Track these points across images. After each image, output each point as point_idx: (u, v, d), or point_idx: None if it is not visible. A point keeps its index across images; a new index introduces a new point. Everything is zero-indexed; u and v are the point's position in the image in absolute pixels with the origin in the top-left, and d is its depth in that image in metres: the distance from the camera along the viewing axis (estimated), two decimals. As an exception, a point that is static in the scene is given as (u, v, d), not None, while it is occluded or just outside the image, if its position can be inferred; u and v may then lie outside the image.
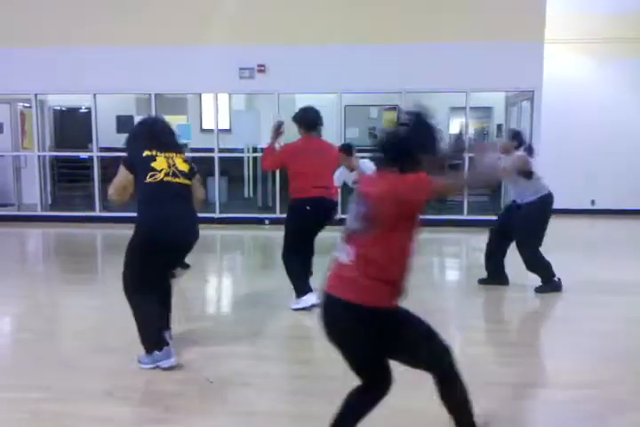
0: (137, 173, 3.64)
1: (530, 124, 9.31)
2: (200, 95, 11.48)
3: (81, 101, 11.04)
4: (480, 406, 2.59)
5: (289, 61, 9.27)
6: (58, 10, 9.46)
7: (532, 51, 9.00)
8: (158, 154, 3.68)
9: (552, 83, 9.50)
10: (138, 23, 9.38)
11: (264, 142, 10.67)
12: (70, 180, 11.98)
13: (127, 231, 3.74)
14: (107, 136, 10.46)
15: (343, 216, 6.47)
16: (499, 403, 2.71)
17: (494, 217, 6.34)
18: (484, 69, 9.04)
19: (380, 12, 9.13)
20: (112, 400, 3.20)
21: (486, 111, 12.99)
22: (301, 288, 4.85)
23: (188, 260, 5.79)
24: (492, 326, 4.74)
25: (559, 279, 5.40)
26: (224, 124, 10.64)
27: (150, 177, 3.61)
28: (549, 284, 5.38)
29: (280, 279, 5.17)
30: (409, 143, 2.36)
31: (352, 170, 5.88)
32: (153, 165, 3.63)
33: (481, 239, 5.79)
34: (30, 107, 9.97)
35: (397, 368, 2.43)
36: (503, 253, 5.58)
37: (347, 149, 5.68)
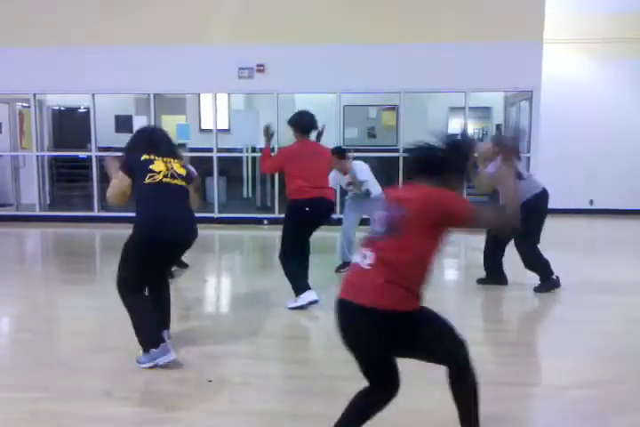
0: (135, 176, 3.67)
1: (529, 124, 9.32)
2: (199, 95, 11.47)
3: (80, 101, 11.03)
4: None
5: (288, 61, 9.27)
6: (57, 10, 9.46)
7: (531, 51, 9.00)
8: (156, 158, 3.73)
9: (552, 83, 9.50)
10: (136, 23, 9.39)
11: (263, 142, 10.75)
12: (69, 180, 11.95)
13: (126, 231, 3.73)
14: (105, 136, 10.46)
15: (340, 216, 6.52)
16: (498, 403, 2.71)
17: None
18: (483, 69, 9.05)
19: (380, 11, 9.14)
20: (111, 400, 3.20)
21: (485, 111, 12.99)
22: (300, 287, 4.88)
23: (186, 259, 5.81)
24: (491, 326, 4.74)
25: (557, 277, 5.40)
26: (223, 124, 10.63)
27: (149, 178, 3.64)
28: (548, 282, 5.38)
29: (278, 279, 5.18)
30: (448, 164, 2.43)
31: (345, 173, 5.89)
32: (151, 167, 3.67)
33: (479, 239, 5.79)
34: (29, 106, 9.97)
35: (404, 368, 2.43)
36: (501, 253, 5.58)
37: (339, 153, 5.69)
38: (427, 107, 11.87)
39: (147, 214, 3.65)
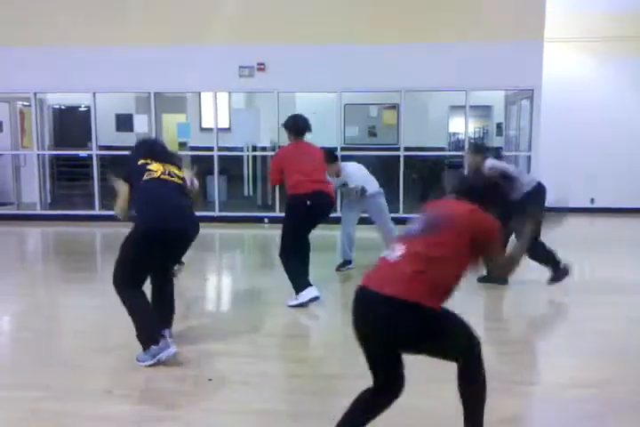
0: (133, 178, 3.76)
1: (529, 123, 9.32)
2: (199, 94, 11.46)
3: (80, 100, 11.02)
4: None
5: (289, 60, 9.26)
6: (57, 9, 9.45)
7: (531, 49, 8.99)
8: (153, 162, 3.83)
9: (552, 82, 9.49)
10: (137, 22, 9.38)
11: (263, 141, 10.76)
12: (70, 178, 11.95)
13: (127, 230, 3.74)
14: (106, 135, 10.47)
15: (334, 215, 6.53)
16: (498, 402, 2.71)
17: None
18: (484, 68, 9.03)
19: (380, 10, 9.12)
20: (112, 399, 3.21)
21: (486, 110, 13.00)
22: (300, 284, 4.88)
23: (187, 258, 5.80)
24: (492, 325, 4.74)
25: (566, 264, 5.40)
26: (223, 123, 10.62)
27: (147, 175, 3.73)
28: (558, 271, 5.38)
29: (279, 278, 5.18)
30: (487, 199, 2.55)
31: (337, 175, 5.90)
32: (149, 167, 3.78)
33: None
34: (29, 105, 9.96)
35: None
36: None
37: (330, 156, 5.69)
38: (427, 105, 11.86)
39: (146, 209, 3.70)
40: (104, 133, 10.26)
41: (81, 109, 11.88)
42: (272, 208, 9.79)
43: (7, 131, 10.46)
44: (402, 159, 9.49)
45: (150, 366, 3.54)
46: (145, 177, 3.72)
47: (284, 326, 4.62)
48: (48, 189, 10.64)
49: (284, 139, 5.51)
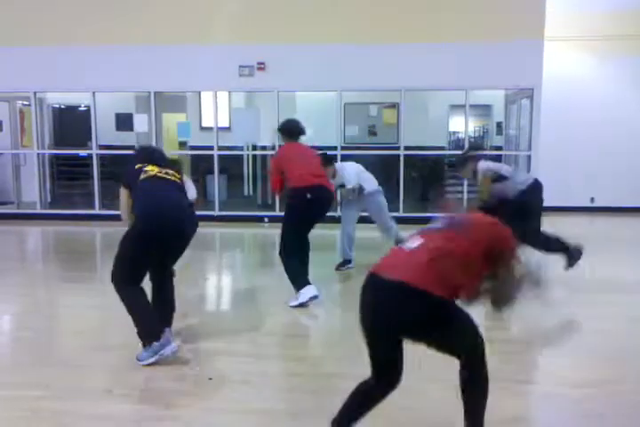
0: (131, 182, 3.82)
1: (529, 122, 9.31)
2: (199, 93, 11.47)
3: (80, 99, 11.02)
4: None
5: (289, 59, 9.26)
6: (57, 8, 9.45)
7: (531, 49, 8.98)
8: (150, 165, 3.90)
9: (552, 80, 9.49)
10: (137, 21, 9.38)
11: (263, 140, 10.76)
12: (70, 177, 11.96)
13: (127, 229, 3.74)
14: (106, 134, 10.47)
15: (333, 214, 6.52)
16: (497, 401, 2.71)
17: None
18: (484, 67, 9.03)
19: (380, 10, 9.12)
20: (112, 398, 3.21)
21: (486, 109, 13.00)
22: (300, 283, 4.88)
23: (187, 257, 5.79)
24: (491, 324, 4.72)
25: (574, 245, 5.44)
26: (223, 122, 10.62)
27: (143, 175, 3.80)
28: (570, 255, 5.42)
29: (279, 277, 5.19)
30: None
31: (332, 177, 5.90)
32: (145, 169, 3.85)
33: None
34: (29, 105, 9.96)
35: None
36: None
37: (325, 159, 5.70)
38: (427, 104, 11.86)
39: (143, 206, 3.72)
40: (104, 133, 10.26)
41: (81, 109, 11.87)
42: (272, 207, 9.79)
43: (7, 130, 10.47)
44: (402, 158, 9.48)
45: (150, 364, 3.54)
46: (141, 176, 3.78)
47: (284, 326, 4.62)
48: (48, 188, 10.64)
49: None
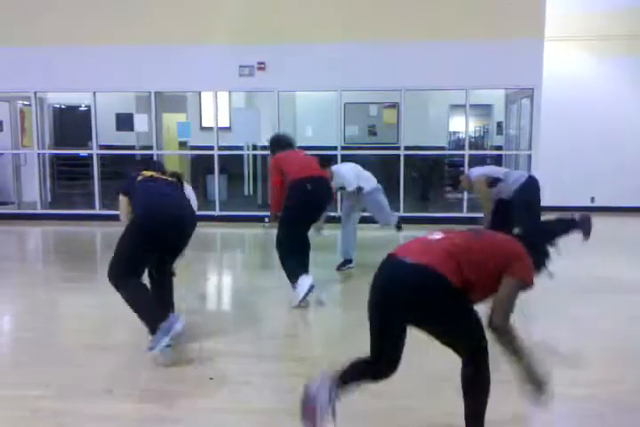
0: (129, 188, 3.86)
1: (530, 122, 9.31)
2: (200, 93, 11.47)
3: (80, 99, 11.03)
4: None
5: (289, 59, 9.26)
6: (58, 8, 9.46)
7: (531, 48, 8.98)
8: (146, 171, 3.99)
9: (552, 80, 9.49)
10: (137, 21, 9.38)
11: (264, 140, 10.76)
12: (70, 178, 11.97)
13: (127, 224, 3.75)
14: (106, 134, 10.48)
15: (334, 214, 6.53)
16: (498, 401, 2.70)
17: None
18: (484, 67, 9.03)
19: (380, 9, 9.12)
20: (112, 398, 3.20)
21: (486, 109, 13.01)
22: (295, 273, 4.85)
23: (187, 257, 5.80)
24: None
25: (579, 216, 5.52)
26: (224, 122, 10.63)
27: (140, 177, 3.88)
28: (581, 227, 5.50)
29: (279, 277, 5.18)
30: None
31: (330, 179, 5.90)
32: (141, 173, 3.94)
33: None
34: (30, 105, 9.96)
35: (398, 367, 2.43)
36: None
37: (322, 162, 5.70)
38: (427, 104, 11.87)
39: (142, 202, 3.76)
40: (104, 133, 10.26)
41: (81, 109, 11.89)
42: (272, 207, 9.77)
43: (7, 130, 10.46)
44: (402, 158, 9.48)
45: (163, 348, 3.49)
46: (138, 178, 3.86)
47: (285, 326, 4.63)
48: (48, 188, 10.64)
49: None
